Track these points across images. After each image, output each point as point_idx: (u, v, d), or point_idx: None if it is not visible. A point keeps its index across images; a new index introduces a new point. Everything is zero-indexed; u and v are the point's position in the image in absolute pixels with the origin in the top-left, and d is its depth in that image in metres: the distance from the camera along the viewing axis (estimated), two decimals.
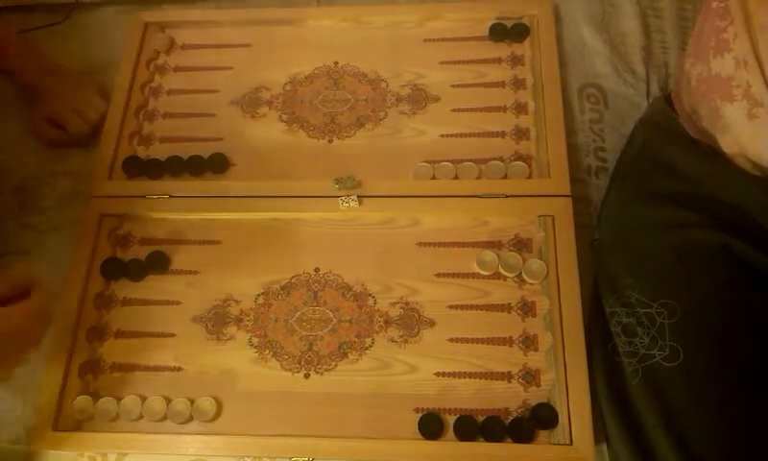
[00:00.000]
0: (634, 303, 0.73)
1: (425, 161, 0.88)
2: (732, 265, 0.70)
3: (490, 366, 0.77)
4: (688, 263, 0.72)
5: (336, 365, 0.78)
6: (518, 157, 0.87)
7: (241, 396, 0.77)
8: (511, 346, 0.77)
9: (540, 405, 0.74)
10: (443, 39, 0.97)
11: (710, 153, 0.75)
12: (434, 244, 0.84)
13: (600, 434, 0.73)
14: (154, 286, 0.84)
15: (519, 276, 0.81)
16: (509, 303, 0.80)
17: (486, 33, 0.96)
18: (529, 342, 0.77)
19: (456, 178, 0.86)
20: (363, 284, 0.82)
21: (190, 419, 0.76)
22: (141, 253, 0.86)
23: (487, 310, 0.79)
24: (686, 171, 0.76)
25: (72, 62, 1.02)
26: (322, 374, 0.78)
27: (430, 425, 0.74)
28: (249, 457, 0.75)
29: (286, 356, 0.79)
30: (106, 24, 1.06)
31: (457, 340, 0.78)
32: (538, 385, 0.75)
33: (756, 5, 0.64)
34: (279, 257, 0.84)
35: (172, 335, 0.81)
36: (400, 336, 0.79)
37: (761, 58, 0.64)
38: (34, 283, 0.65)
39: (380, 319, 0.80)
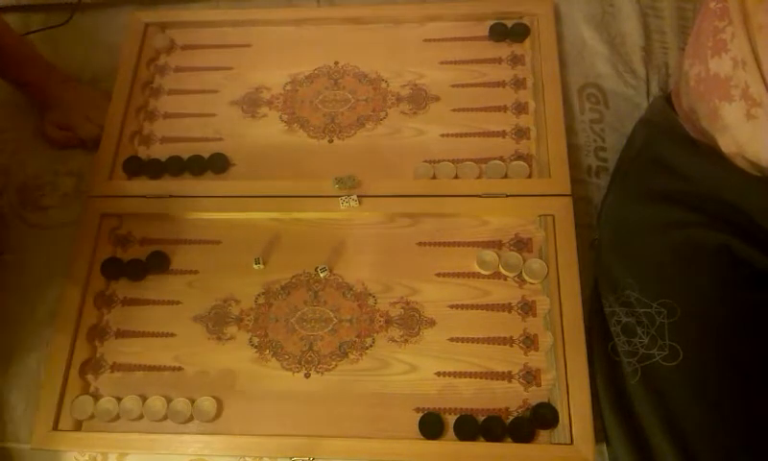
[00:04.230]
0: (633, 303, 0.73)
1: (426, 161, 0.88)
2: (732, 265, 0.70)
3: (490, 366, 0.77)
4: (688, 263, 0.72)
5: (336, 365, 0.78)
6: (519, 156, 0.87)
7: (241, 396, 0.77)
8: (511, 345, 0.77)
9: (540, 405, 0.74)
10: (443, 39, 0.97)
11: (710, 153, 0.74)
12: (434, 244, 0.84)
13: (600, 434, 0.73)
14: (154, 286, 0.84)
15: (520, 275, 0.81)
16: (509, 303, 0.80)
17: (486, 33, 0.96)
18: (529, 342, 0.77)
19: (456, 177, 0.86)
20: (363, 284, 0.82)
21: (190, 419, 0.76)
22: (141, 253, 0.86)
23: (487, 310, 0.80)
24: (686, 171, 0.76)
25: (74, 64, 1.03)
26: (322, 373, 0.78)
27: (430, 425, 0.74)
28: (249, 457, 0.75)
29: (286, 356, 0.79)
30: (107, 25, 1.06)
31: (457, 340, 0.78)
32: (538, 385, 0.75)
33: (754, 5, 0.64)
34: (279, 257, 0.84)
35: (172, 335, 0.81)
36: (401, 336, 0.79)
37: (759, 58, 0.64)
38: None
39: (381, 319, 0.80)
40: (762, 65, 0.64)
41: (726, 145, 0.72)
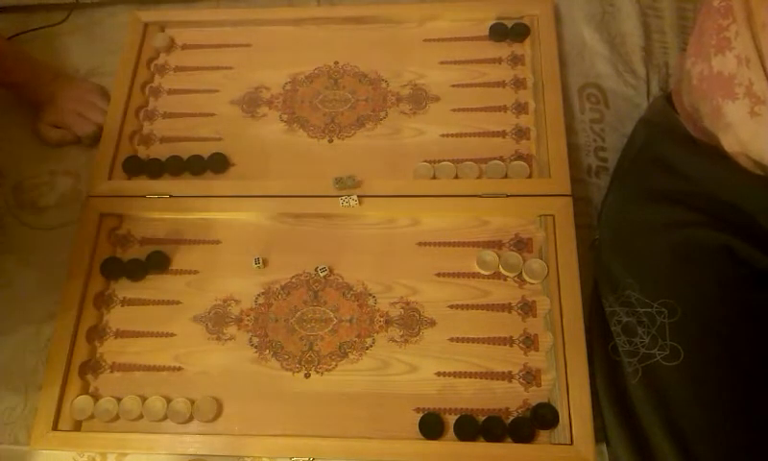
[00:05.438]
0: (634, 303, 0.73)
1: (426, 161, 0.88)
2: (733, 265, 0.70)
3: (490, 366, 0.76)
4: (689, 263, 0.72)
5: (336, 365, 0.78)
6: (519, 156, 0.87)
7: (241, 396, 0.77)
8: (511, 346, 0.77)
9: (540, 405, 0.74)
10: (443, 39, 0.97)
11: (711, 152, 0.74)
12: (434, 244, 0.84)
13: (600, 434, 0.72)
14: (154, 286, 0.84)
15: (520, 275, 0.80)
16: (509, 303, 0.79)
17: (486, 33, 0.96)
18: (529, 342, 0.77)
19: (456, 177, 0.86)
20: (363, 284, 0.82)
21: (190, 419, 0.76)
22: (141, 252, 0.85)
23: (487, 310, 0.79)
24: (687, 170, 0.76)
25: (72, 63, 1.03)
26: (322, 373, 0.78)
27: (430, 425, 0.74)
28: (249, 457, 0.75)
29: (286, 356, 0.79)
30: (106, 24, 1.06)
31: (457, 340, 0.78)
32: (538, 385, 0.75)
33: (758, 3, 0.64)
34: (279, 257, 0.84)
35: (172, 335, 0.81)
36: (401, 336, 0.79)
37: (764, 55, 0.64)
38: None
39: (381, 319, 0.80)
40: (766, 62, 0.64)
41: (729, 144, 0.72)
